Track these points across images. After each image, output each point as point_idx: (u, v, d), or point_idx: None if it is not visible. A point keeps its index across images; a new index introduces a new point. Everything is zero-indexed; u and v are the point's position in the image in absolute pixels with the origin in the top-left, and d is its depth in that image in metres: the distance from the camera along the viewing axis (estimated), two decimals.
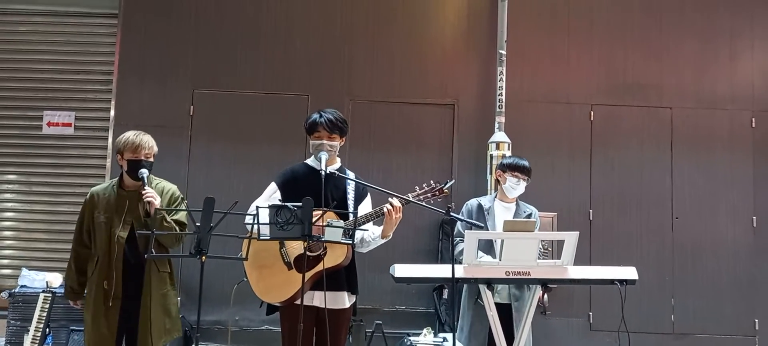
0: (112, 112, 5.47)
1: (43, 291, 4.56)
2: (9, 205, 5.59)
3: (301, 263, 2.77)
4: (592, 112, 5.56)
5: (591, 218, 5.44)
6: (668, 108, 5.58)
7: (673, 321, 5.36)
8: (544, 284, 3.16)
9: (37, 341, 4.40)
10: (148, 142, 3.14)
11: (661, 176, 5.50)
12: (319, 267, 2.85)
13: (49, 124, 5.61)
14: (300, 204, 2.53)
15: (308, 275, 2.84)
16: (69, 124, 5.61)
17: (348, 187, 3.05)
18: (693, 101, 5.59)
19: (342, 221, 2.81)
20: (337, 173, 3.02)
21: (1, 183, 5.61)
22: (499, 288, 3.36)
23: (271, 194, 3.04)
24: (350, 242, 2.72)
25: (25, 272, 4.91)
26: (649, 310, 5.31)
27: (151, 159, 3.15)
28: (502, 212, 3.49)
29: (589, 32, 5.61)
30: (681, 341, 5.34)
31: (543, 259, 3.18)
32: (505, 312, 3.33)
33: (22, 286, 4.78)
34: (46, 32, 5.69)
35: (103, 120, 5.56)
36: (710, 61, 5.63)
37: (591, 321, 5.32)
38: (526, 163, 3.54)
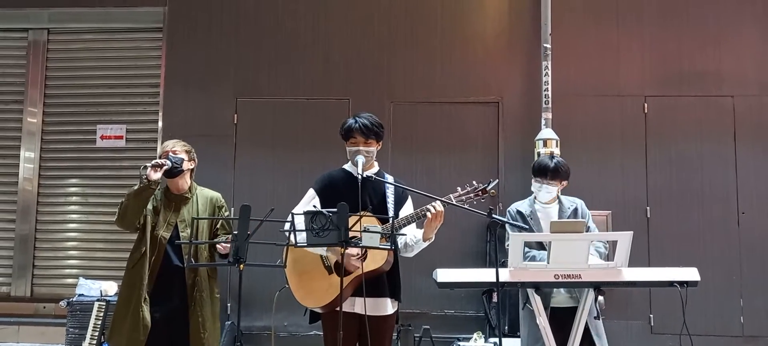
0: (160, 124, 5.62)
1: (98, 300, 4.71)
2: (71, 216, 5.82)
3: (341, 269, 2.72)
4: (645, 104, 5.30)
5: (648, 216, 5.18)
6: (729, 96, 5.26)
7: (742, 323, 5.05)
8: (597, 287, 2.98)
9: None
10: (169, 143, 3.25)
11: (724, 169, 5.19)
12: (359, 272, 2.78)
13: (102, 137, 5.81)
14: (335, 210, 2.48)
15: (348, 280, 2.78)
16: (121, 137, 5.80)
17: (387, 191, 2.98)
18: (757, 88, 5.25)
19: (380, 226, 2.74)
20: (374, 177, 2.96)
21: (62, 196, 5.84)
22: (554, 291, 3.20)
23: (310, 200, 3.01)
24: (389, 247, 2.65)
25: (82, 281, 5.08)
26: (716, 311, 5.03)
27: (180, 155, 3.18)
28: (543, 214, 3.31)
29: (639, 20, 5.37)
30: (751, 345, 5.02)
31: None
32: (564, 316, 3.16)
33: (79, 295, 4.95)
34: (96, 49, 5.91)
35: (151, 132, 5.71)
36: None
37: (652, 324, 5.07)
38: (548, 163, 3.27)
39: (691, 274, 2.92)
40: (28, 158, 5.82)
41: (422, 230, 2.89)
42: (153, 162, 3.06)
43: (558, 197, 3.36)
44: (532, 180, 3.33)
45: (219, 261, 3.19)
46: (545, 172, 3.26)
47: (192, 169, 3.30)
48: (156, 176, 3.04)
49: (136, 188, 3.05)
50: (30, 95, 5.85)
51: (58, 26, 5.90)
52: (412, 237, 2.93)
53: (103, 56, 5.88)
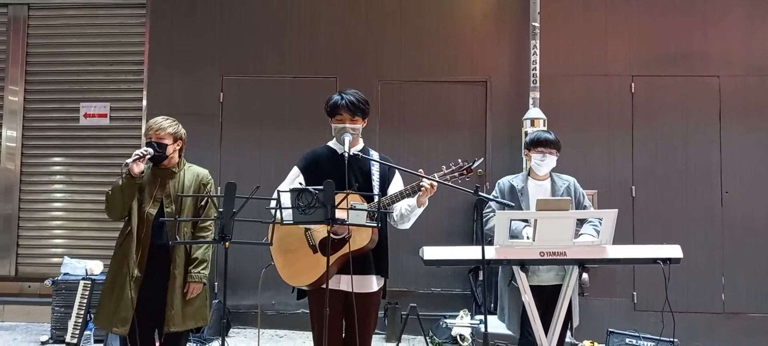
0: (145, 102, 5.55)
1: (83, 278, 4.67)
2: (55, 195, 5.76)
3: (327, 246, 2.71)
4: (632, 84, 5.31)
5: (634, 195, 5.22)
6: (715, 76, 5.28)
7: (723, 300, 5.13)
8: (581, 264, 3.00)
9: (79, 327, 4.52)
10: (155, 123, 3.14)
11: (709, 149, 5.24)
12: (345, 250, 2.78)
13: (85, 115, 5.73)
14: (321, 187, 2.46)
15: (334, 258, 2.78)
16: (104, 115, 5.72)
17: (372, 168, 2.96)
18: (742, 68, 5.28)
19: (366, 204, 2.73)
20: (360, 154, 2.94)
21: (46, 175, 5.77)
22: (538, 270, 3.21)
23: (294, 178, 2.98)
24: (375, 224, 2.64)
25: (67, 260, 5.04)
26: (698, 289, 5.10)
27: (165, 141, 3.11)
28: (536, 190, 3.31)
29: (627, 0, 5.34)
30: (732, 321, 5.12)
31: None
32: (550, 294, 3.18)
33: (64, 274, 4.91)
34: (78, 25, 5.80)
35: (136, 110, 5.64)
36: (760, 25, 5.30)
37: (635, 301, 5.14)
38: (548, 135, 3.33)
39: (674, 251, 2.94)
40: (9, 137, 5.73)
41: (415, 198, 2.86)
42: (134, 155, 3.00)
43: (551, 175, 3.36)
44: (531, 153, 3.32)
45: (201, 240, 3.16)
46: (546, 142, 3.28)
47: (180, 148, 3.25)
48: (139, 168, 3.00)
49: (121, 182, 3.01)
50: (10, 73, 5.74)
51: (38, 2, 5.78)
52: (407, 207, 2.91)
53: (85, 33, 5.78)
